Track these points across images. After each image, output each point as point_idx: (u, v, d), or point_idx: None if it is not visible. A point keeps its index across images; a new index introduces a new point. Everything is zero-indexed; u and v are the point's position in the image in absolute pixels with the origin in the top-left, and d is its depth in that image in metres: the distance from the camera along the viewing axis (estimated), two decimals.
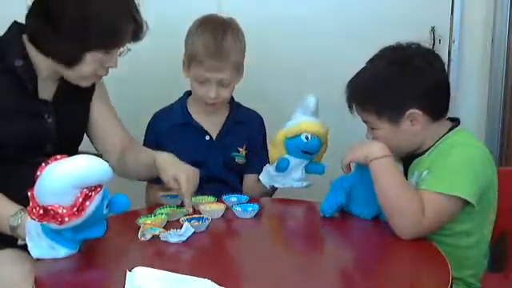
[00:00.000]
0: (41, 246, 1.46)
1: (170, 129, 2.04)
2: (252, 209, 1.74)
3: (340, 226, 1.74)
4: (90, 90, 1.90)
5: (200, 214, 1.71)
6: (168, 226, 1.62)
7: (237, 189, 2.02)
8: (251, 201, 1.82)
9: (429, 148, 1.71)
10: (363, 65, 1.76)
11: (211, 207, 1.75)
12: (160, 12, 2.51)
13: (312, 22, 2.59)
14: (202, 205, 1.76)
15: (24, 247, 1.58)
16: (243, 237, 1.71)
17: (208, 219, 1.65)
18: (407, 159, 1.76)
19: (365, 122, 1.75)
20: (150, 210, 1.76)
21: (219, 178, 2.03)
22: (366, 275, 1.47)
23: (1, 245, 1.69)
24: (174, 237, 1.54)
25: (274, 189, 2.02)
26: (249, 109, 2.13)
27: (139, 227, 1.58)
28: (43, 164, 1.43)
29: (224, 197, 1.83)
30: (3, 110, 1.71)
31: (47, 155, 1.56)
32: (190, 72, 1.98)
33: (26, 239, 1.49)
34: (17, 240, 1.65)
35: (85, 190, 1.39)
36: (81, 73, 1.74)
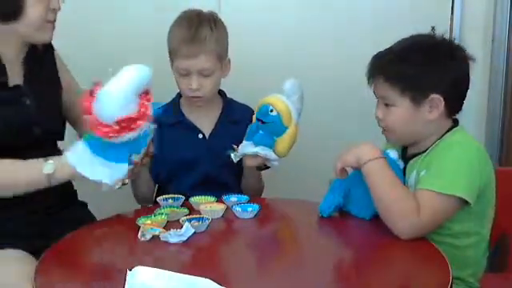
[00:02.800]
0: (98, 170, 1.53)
1: (163, 127, 2.02)
2: (252, 209, 1.74)
3: (339, 226, 1.74)
4: (53, 63, 1.92)
5: (200, 214, 1.71)
6: (168, 226, 1.62)
7: (234, 191, 1.99)
8: (251, 201, 1.82)
9: (428, 147, 1.71)
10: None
11: (211, 207, 1.75)
12: (159, 12, 2.52)
13: (311, 21, 2.59)
14: (201, 205, 1.76)
15: (23, 247, 1.58)
16: (243, 237, 1.71)
17: (208, 219, 1.65)
18: (407, 157, 1.76)
19: (381, 97, 1.72)
20: (150, 210, 1.76)
21: (215, 179, 2.02)
22: (365, 275, 1.47)
23: (1, 245, 1.69)
24: (174, 237, 1.54)
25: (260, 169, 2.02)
26: (242, 104, 2.10)
27: (139, 227, 1.58)
28: (88, 94, 1.51)
29: (224, 197, 1.83)
30: None
31: (37, 139, 1.66)
32: (173, 67, 1.98)
33: (80, 170, 1.54)
34: (15, 240, 1.66)
35: (141, 96, 1.51)
36: (31, 20, 1.71)
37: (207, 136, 2.03)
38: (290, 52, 2.58)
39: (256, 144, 1.84)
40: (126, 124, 1.49)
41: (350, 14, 2.60)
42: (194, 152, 2.01)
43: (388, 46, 1.75)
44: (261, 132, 1.83)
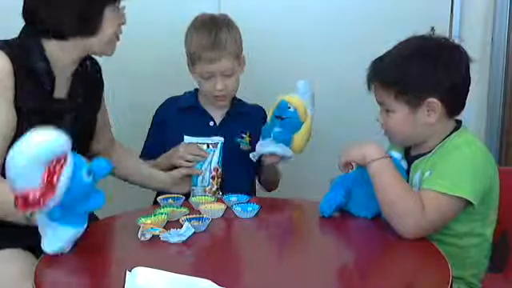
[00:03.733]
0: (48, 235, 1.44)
1: (177, 112, 2.11)
2: (252, 209, 1.74)
3: (340, 226, 1.74)
4: (98, 82, 1.95)
5: (200, 213, 1.71)
6: (168, 225, 1.62)
7: (242, 179, 2.05)
8: (251, 200, 1.82)
9: (432, 148, 1.71)
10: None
11: (211, 207, 1.75)
12: (160, 12, 2.52)
13: (312, 21, 2.59)
14: (201, 204, 1.76)
15: (24, 247, 1.58)
16: (243, 237, 1.71)
17: (208, 219, 1.65)
18: (411, 158, 1.76)
19: (379, 103, 1.73)
20: (150, 209, 1.76)
21: (224, 166, 2.03)
22: (365, 275, 1.47)
23: (1, 244, 1.69)
24: (173, 237, 1.54)
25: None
26: (252, 105, 2.19)
27: (139, 227, 1.58)
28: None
29: (224, 197, 1.83)
30: (31, 113, 1.70)
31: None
32: (195, 71, 2.05)
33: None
34: (15, 239, 1.66)
35: (48, 165, 1.32)
36: (105, 35, 1.76)
37: (218, 123, 2.10)
38: (289, 52, 2.58)
39: (275, 139, 1.90)
40: (26, 198, 1.31)
41: (348, 14, 2.60)
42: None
43: (387, 48, 1.75)
44: (279, 128, 1.90)
